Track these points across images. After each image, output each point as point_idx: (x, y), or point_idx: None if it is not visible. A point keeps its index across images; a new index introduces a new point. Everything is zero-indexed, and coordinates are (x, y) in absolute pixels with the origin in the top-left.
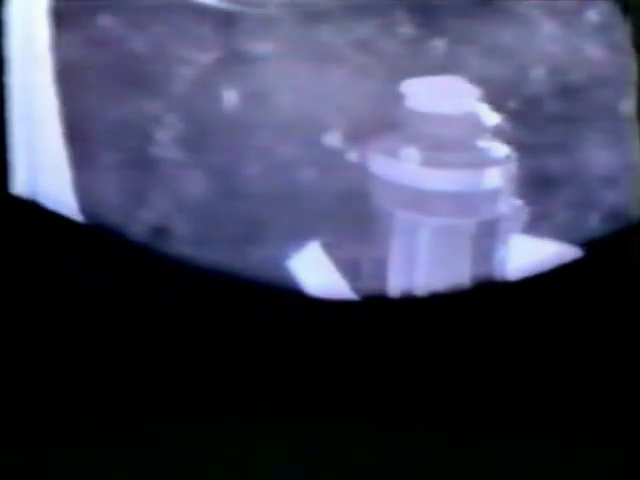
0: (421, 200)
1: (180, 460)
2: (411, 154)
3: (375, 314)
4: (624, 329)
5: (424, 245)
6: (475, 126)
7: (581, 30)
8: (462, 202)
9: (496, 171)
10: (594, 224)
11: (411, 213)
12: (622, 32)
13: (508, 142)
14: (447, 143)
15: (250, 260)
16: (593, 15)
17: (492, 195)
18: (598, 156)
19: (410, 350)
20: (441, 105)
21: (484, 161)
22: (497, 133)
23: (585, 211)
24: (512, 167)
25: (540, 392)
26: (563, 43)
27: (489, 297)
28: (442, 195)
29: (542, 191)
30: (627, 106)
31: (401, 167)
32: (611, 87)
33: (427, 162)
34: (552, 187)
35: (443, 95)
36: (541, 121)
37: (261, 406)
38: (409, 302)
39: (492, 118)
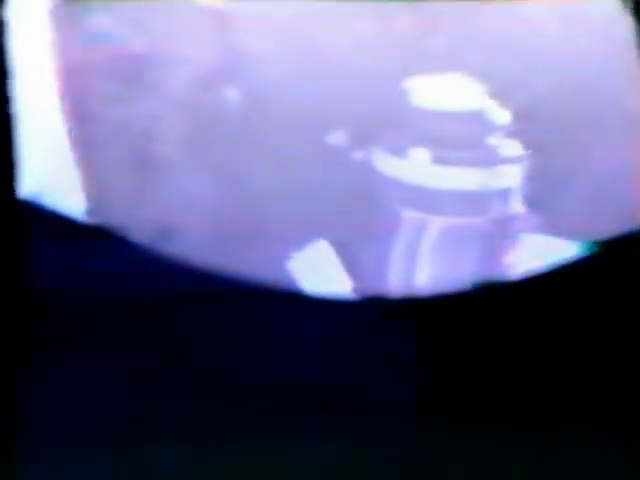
0: (430, 199)
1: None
2: (420, 153)
3: (375, 314)
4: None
5: (430, 245)
6: (484, 124)
7: (586, 27)
8: (472, 201)
9: (507, 169)
10: (606, 224)
11: (419, 212)
12: (626, 29)
13: (518, 140)
14: (456, 141)
15: (254, 260)
16: (597, 12)
17: (504, 194)
18: (609, 155)
19: (411, 349)
20: (448, 102)
21: (495, 159)
22: (508, 131)
23: (597, 210)
24: (524, 166)
25: (551, 392)
26: (568, 41)
27: (498, 297)
28: (452, 194)
29: (553, 190)
30: (635, 104)
31: (409, 166)
32: (618, 84)
33: (437, 160)
34: (564, 186)
35: (450, 92)
36: (549, 120)
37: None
38: (410, 302)
39: (501, 116)
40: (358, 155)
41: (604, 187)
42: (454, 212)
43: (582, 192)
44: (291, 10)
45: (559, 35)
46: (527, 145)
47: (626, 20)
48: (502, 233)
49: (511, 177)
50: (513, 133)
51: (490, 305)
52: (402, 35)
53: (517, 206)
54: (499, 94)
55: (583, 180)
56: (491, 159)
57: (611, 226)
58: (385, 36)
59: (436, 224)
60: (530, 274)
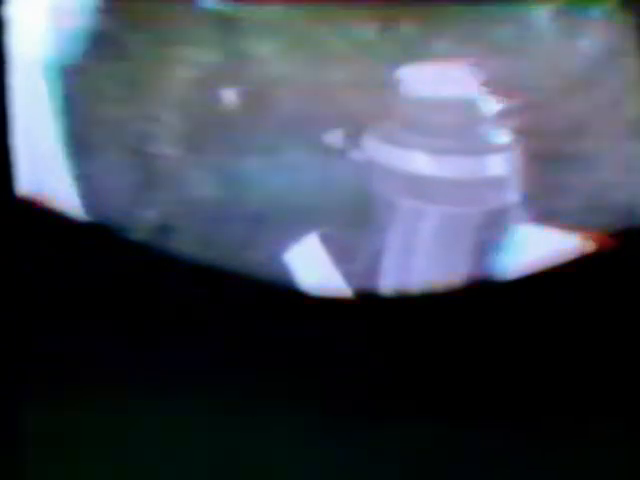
0: (426, 188)
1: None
2: (414, 141)
3: (370, 308)
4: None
5: (426, 235)
6: (477, 112)
7: (583, 30)
8: (468, 190)
9: (499, 158)
10: (601, 220)
11: (416, 202)
12: (625, 32)
13: (514, 130)
14: (449, 129)
15: (251, 255)
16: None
17: (497, 183)
18: (607, 150)
19: (407, 345)
20: (441, 91)
21: (486, 148)
22: (499, 120)
23: (594, 204)
24: (517, 155)
25: (549, 389)
26: (566, 42)
27: (492, 291)
28: (447, 182)
29: (550, 185)
30: (632, 104)
31: (405, 154)
32: (615, 86)
33: (430, 149)
34: (560, 178)
35: (443, 81)
36: (546, 116)
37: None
38: (405, 296)
39: (494, 105)
40: (354, 147)
41: (601, 181)
42: (451, 202)
43: (579, 186)
44: (291, 12)
45: (560, 36)
46: (524, 135)
47: (626, 21)
48: (498, 224)
49: (504, 166)
50: (508, 122)
51: (485, 300)
52: (403, 36)
53: (512, 197)
54: (497, 88)
55: (580, 173)
56: (483, 147)
57: (608, 220)
58: (386, 37)
59: (432, 214)
60: (525, 268)
